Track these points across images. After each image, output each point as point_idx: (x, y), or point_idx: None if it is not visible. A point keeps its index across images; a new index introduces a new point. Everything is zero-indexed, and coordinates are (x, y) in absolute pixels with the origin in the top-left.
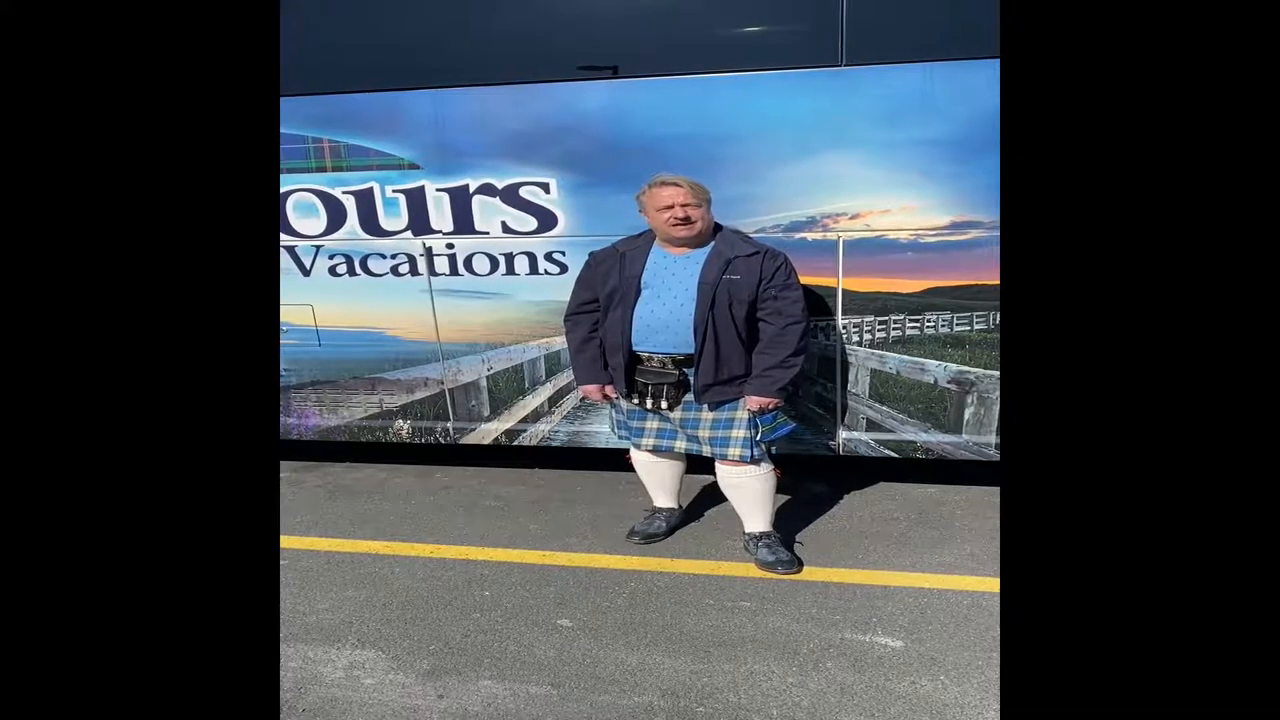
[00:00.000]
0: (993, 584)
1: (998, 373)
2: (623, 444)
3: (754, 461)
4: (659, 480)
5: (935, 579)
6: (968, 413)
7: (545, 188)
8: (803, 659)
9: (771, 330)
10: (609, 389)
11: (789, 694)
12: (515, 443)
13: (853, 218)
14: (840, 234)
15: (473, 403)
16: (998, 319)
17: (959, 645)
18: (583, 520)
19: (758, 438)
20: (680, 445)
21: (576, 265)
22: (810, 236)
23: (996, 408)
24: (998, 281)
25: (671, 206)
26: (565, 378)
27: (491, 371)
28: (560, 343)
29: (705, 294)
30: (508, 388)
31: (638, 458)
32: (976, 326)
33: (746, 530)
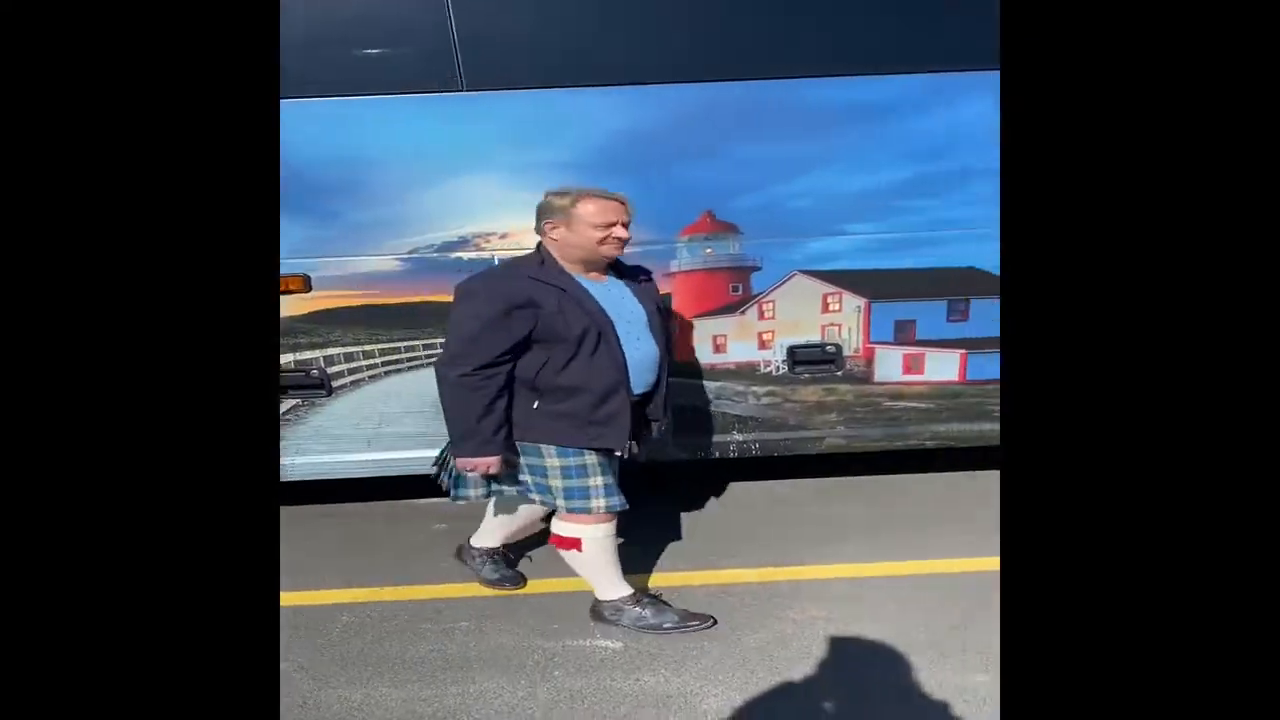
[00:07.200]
0: (681, 577)
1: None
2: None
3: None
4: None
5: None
6: None
7: None
8: (530, 671)
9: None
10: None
11: (520, 707)
12: None
13: (503, 236)
14: (494, 252)
15: None
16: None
17: (672, 639)
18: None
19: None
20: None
21: None
22: (465, 255)
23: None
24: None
25: (614, 224)
26: None
27: None
28: None
29: (661, 325)
30: None
31: (603, 529)
32: None
33: (479, 545)
